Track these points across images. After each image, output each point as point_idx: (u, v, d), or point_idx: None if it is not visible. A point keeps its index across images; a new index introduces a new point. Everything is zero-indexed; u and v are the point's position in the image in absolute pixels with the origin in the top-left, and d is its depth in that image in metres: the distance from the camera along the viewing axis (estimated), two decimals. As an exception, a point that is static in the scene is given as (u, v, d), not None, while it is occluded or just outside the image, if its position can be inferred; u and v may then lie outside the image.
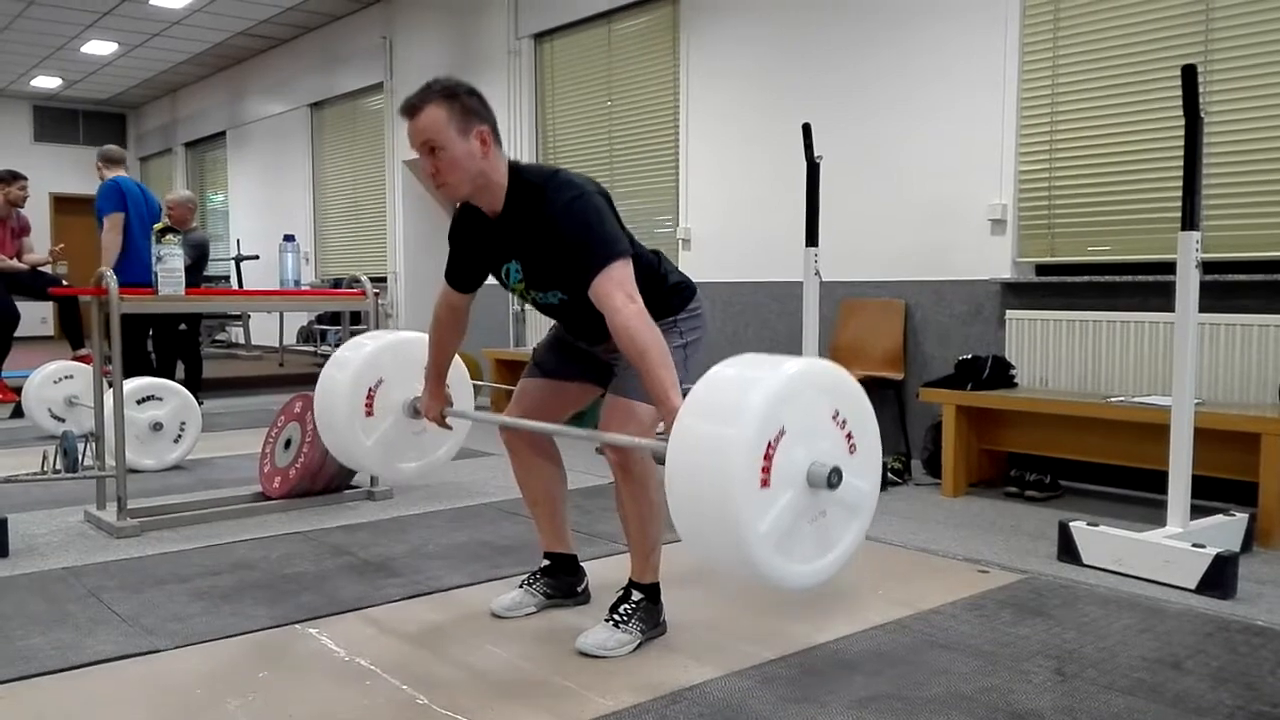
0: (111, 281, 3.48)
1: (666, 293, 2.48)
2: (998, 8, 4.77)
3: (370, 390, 2.74)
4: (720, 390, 1.86)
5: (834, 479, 1.84)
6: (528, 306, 4.99)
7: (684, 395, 2.06)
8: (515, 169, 2.36)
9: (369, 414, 2.74)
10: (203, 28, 10.24)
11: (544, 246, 2.32)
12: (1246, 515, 3.34)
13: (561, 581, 2.73)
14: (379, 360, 2.76)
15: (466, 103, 2.28)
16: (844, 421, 1.94)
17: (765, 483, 1.78)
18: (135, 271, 5.87)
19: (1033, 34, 4.68)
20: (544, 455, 2.65)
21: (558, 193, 2.27)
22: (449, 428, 2.78)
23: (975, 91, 4.87)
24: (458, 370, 2.82)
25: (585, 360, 2.59)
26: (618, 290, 2.17)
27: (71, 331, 6.92)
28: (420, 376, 2.73)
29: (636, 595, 2.46)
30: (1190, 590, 2.88)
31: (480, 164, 2.29)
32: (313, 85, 10.43)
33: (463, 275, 2.55)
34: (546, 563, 2.73)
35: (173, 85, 13.12)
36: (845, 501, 1.94)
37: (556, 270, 2.35)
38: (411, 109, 2.27)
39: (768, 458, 1.78)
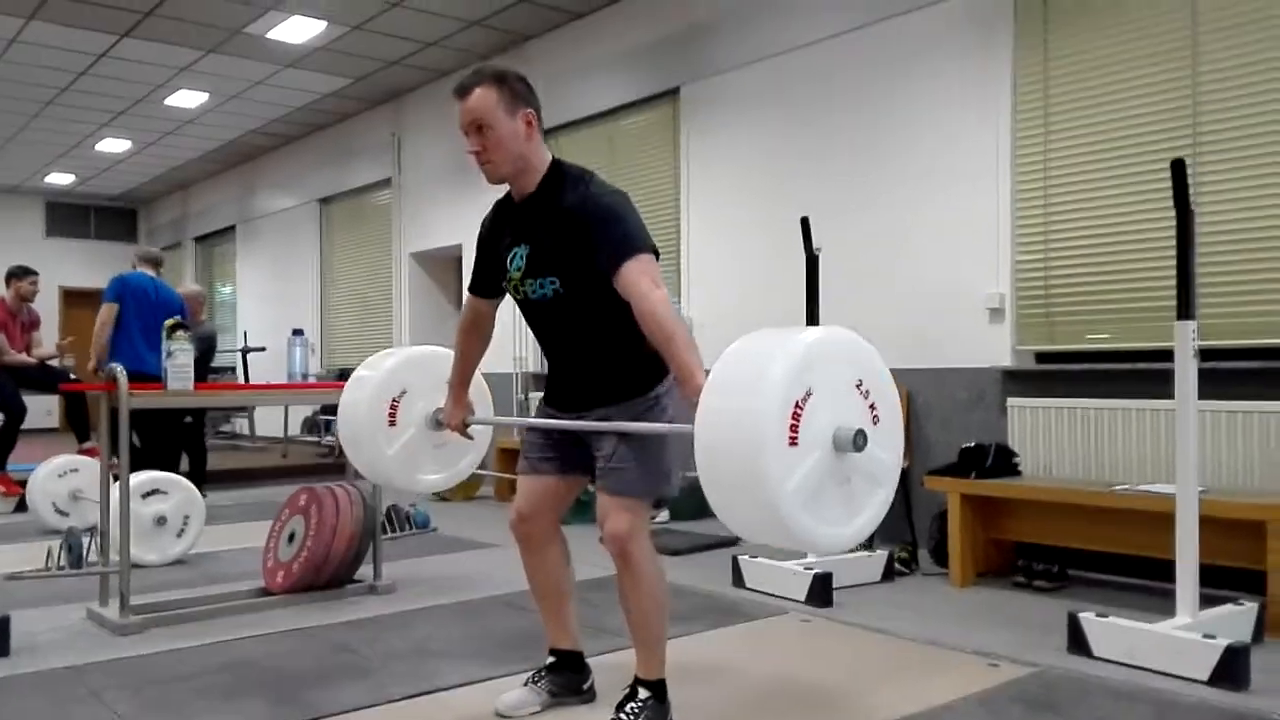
0: (121, 377, 3.52)
1: (652, 355, 2.45)
2: (989, 102, 4.90)
3: (394, 400, 2.80)
4: (745, 360, 1.93)
5: (859, 441, 1.90)
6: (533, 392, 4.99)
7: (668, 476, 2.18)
8: (557, 160, 2.47)
9: (391, 424, 2.80)
10: (215, 126, 10.51)
11: (562, 228, 2.37)
12: (1256, 604, 3.31)
13: (567, 679, 2.70)
14: (403, 372, 2.84)
15: (515, 87, 2.40)
16: (867, 392, 2.00)
17: (793, 441, 1.84)
18: (124, 363, 5.94)
19: (1025, 128, 4.80)
20: (553, 549, 2.65)
21: (600, 186, 2.40)
22: (470, 438, 2.83)
23: (970, 183, 4.98)
24: (478, 387, 2.85)
25: (570, 451, 2.56)
26: (644, 277, 2.25)
27: (77, 424, 6.94)
28: (442, 391, 2.78)
29: (643, 694, 2.43)
30: (1203, 682, 2.84)
31: (523, 145, 2.40)
32: (322, 181, 10.66)
33: (485, 279, 2.61)
34: (551, 659, 2.71)
35: (184, 181, 13.40)
36: (869, 471, 1.98)
37: (561, 255, 2.38)
38: (463, 90, 2.39)
39: (795, 417, 1.84)
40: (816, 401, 1.88)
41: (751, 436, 1.83)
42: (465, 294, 2.74)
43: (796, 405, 1.85)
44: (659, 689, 2.45)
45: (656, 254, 2.33)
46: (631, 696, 2.44)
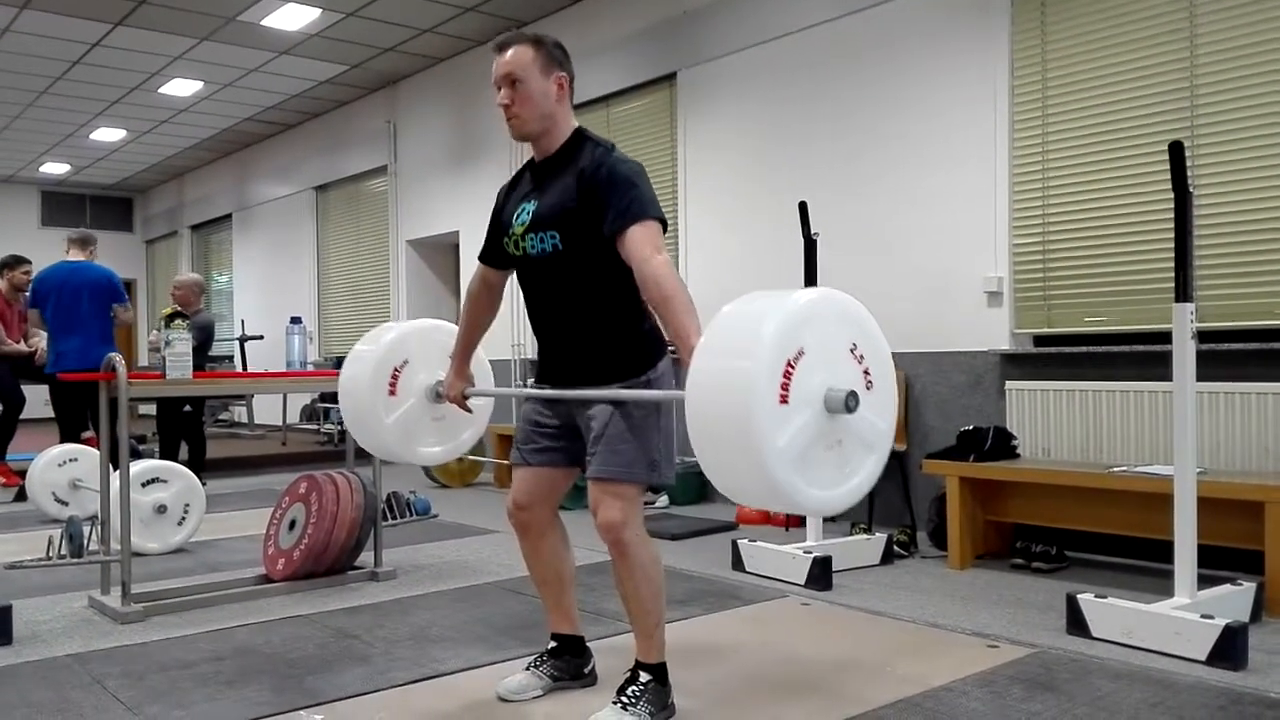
0: (120, 367, 3.52)
1: (646, 334, 2.47)
2: (987, 85, 4.89)
3: (395, 370, 2.79)
4: (738, 319, 1.92)
5: (851, 403, 1.88)
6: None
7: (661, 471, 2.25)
8: (582, 128, 2.50)
9: (392, 393, 2.79)
10: (210, 114, 10.48)
11: (574, 187, 2.38)
12: (1254, 584, 3.33)
13: (568, 663, 2.71)
14: (406, 342, 2.83)
15: (551, 50, 2.45)
16: (861, 356, 1.98)
17: (784, 399, 1.82)
18: (69, 356, 6.08)
19: (1022, 111, 4.80)
20: (552, 536, 2.66)
21: (620, 155, 2.42)
22: (469, 410, 2.82)
23: (968, 166, 4.98)
24: (479, 362, 2.84)
25: (562, 443, 2.55)
26: (648, 243, 2.27)
27: (65, 418, 6.92)
28: (444, 365, 2.79)
29: (644, 676, 2.44)
30: (1201, 662, 2.85)
31: (553, 106, 2.44)
32: (317, 168, 10.63)
33: (496, 247, 2.61)
34: (553, 644, 2.72)
35: (179, 170, 13.36)
36: (861, 436, 1.96)
37: (567, 212, 2.39)
38: (502, 45, 2.44)
39: (787, 375, 1.83)
40: (809, 361, 1.86)
41: (741, 393, 1.81)
42: (476, 263, 2.73)
43: (789, 363, 1.83)
44: (659, 672, 2.46)
45: (665, 226, 2.34)
46: (632, 680, 2.45)
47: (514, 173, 2.65)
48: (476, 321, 2.74)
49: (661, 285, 2.20)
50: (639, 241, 2.26)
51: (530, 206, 2.47)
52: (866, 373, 1.99)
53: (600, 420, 2.40)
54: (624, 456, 2.37)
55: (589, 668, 2.75)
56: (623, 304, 2.41)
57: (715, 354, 1.90)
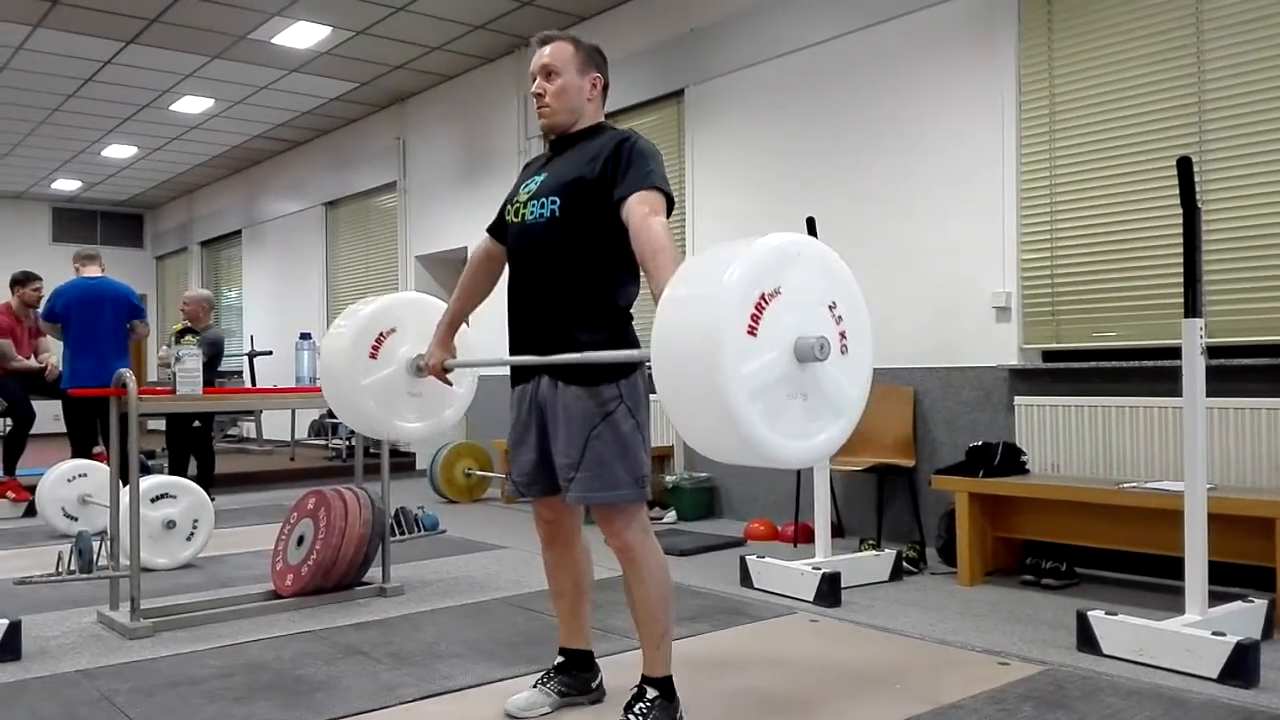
0: (130, 382, 3.53)
1: (625, 335, 2.45)
2: (994, 101, 4.90)
3: (381, 334, 2.76)
4: (719, 250, 1.90)
5: (821, 349, 1.84)
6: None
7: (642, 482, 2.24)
8: (605, 122, 2.56)
9: (373, 357, 2.75)
10: (220, 131, 10.54)
11: (587, 157, 2.41)
12: (1265, 601, 3.31)
13: (576, 678, 2.70)
14: (398, 309, 2.81)
15: (591, 53, 2.53)
16: (840, 317, 1.95)
17: (753, 331, 1.79)
18: (85, 373, 6.10)
19: (1030, 127, 4.80)
20: (576, 547, 2.66)
21: (643, 139, 2.43)
22: (449, 382, 2.78)
23: (976, 181, 4.98)
24: (464, 339, 2.80)
25: (551, 475, 2.50)
26: (650, 206, 2.27)
27: (76, 434, 6.95)
28: (429, 341, 2.75)
29: (651, 693, 2.43)
30: (1212, 680, 2.84)
31: (584, 104, 2.50)
32: (327, 185, 10.68)
33: (503, 218, 2.61)
34: (560, 659, 2.72)
35: (189, 186, 13.43)
36: (830, 397, 1.93)
37: (573, 180, 2.40)
38: (544, 40, 2.51)
39: (759, 309, 1.80)
40: (784, 301, 1.82)
41: (710, 319, 1.77)
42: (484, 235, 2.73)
43: (763, 296, 1.80)
44: (666, 686, 2.45)
45: (671, 205, 2.34)
46: (639, 697, 2.44)
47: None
48: (472, 290, 2.73)
49: (654, 239, 2.20)
50: (642, 202, 2.28)
51: (540, 178, 2.51)
52: (843, 335, 1.95)
53: (576, 443, 2.36)
54: (601, 480, 2.35)
55: (596, 682, 2.74)
56: (607, 286, 2.40)
57: (689, 281, 1.86)
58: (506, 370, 2.57)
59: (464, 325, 2.79)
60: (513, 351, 2.55)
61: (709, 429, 1.87)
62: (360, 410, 2.78)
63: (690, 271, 1.92)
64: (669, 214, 2.32)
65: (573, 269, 2.41)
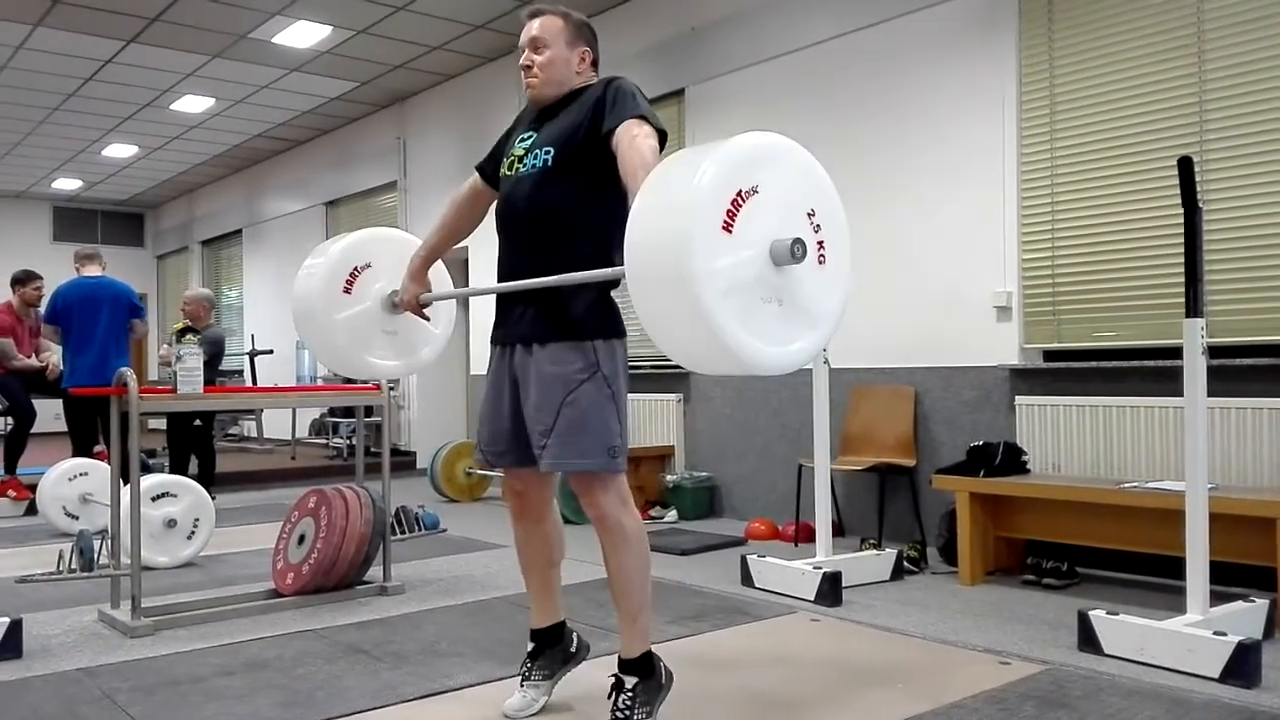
0: (131, 381, 3.53)
1: (607, 306, 2.43)
2: (995, 100, 4.90)
3: (356, 269, 2.72)
4: (700, 147, 1.88)
5: (797, 250, 1.81)
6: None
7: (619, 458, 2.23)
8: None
9: (347, 291, 2.71)
10: (221, 130, 10.54)
11: (578, 108, 2.41)
12: (1267, 601, 3.31)
13: (552, 656, 2.68)
14: (374, 245, 2.77)
15: (580, 28, 2.54)
16: (819, 226, 1.92)
17: (728, 228, 1.76)
18: (84, 371, 6.14)
19: (1030, 126, 4.80)
20: (547, 524, 2.66)
21: (624, 78, 2.44)
22: (425, 317, 2.76)
23: (976, 181, 4.98)
24: (439, 272, 2.77)
25: (523, 446, 2.48)
26: (640, 130, 2.26)
27: (78, 433, 6.95)
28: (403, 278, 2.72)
29: (629, 682, 2.40)
30: (1214, 679, 2.84)
31: (571, 77, 2.50)
32: (328, 184, 10.68)
33: (495, 163, 2.62)
34: (531, 645, 2.68)
35: (190, 185, 13.43)
36: (805, 306, 1.90)
37: (565, 130, 2.40)
38: (535, 12, 2.52)
39: (735, 205, 1.76)
40: (762, 200, 1.79)
41: (682, 213, 1.73)
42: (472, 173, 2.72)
43: (739, 194, 1.77)
44: (645, 665, 2.41)
45: (664, 139, 2.32)
46: (618, 690, 2.40)
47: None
48: (453, 226, 2.72)
49: (640, 155, 2.19)
50: (630, 128, 2.27)
51: (534, 134, 2.51)
52: (821, 245, 1.92)
53: (549, 410, 2.34)
54: (574, 447, 2.33)
55: (574, 647, 2.72)
56: (602, 247, 2.37)
57: (665, 174, 1.83)
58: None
59: (439, 262, 2.76)
60: (501, 310, 2.53)
61: (682, 332, 1.83)
62: (333, 345, 2.74)
63: (666, 167, 1.88)
64: (661, 146, 2.29)
65: (564, 220, 2.40)
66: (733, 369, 1.87)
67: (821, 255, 1.93)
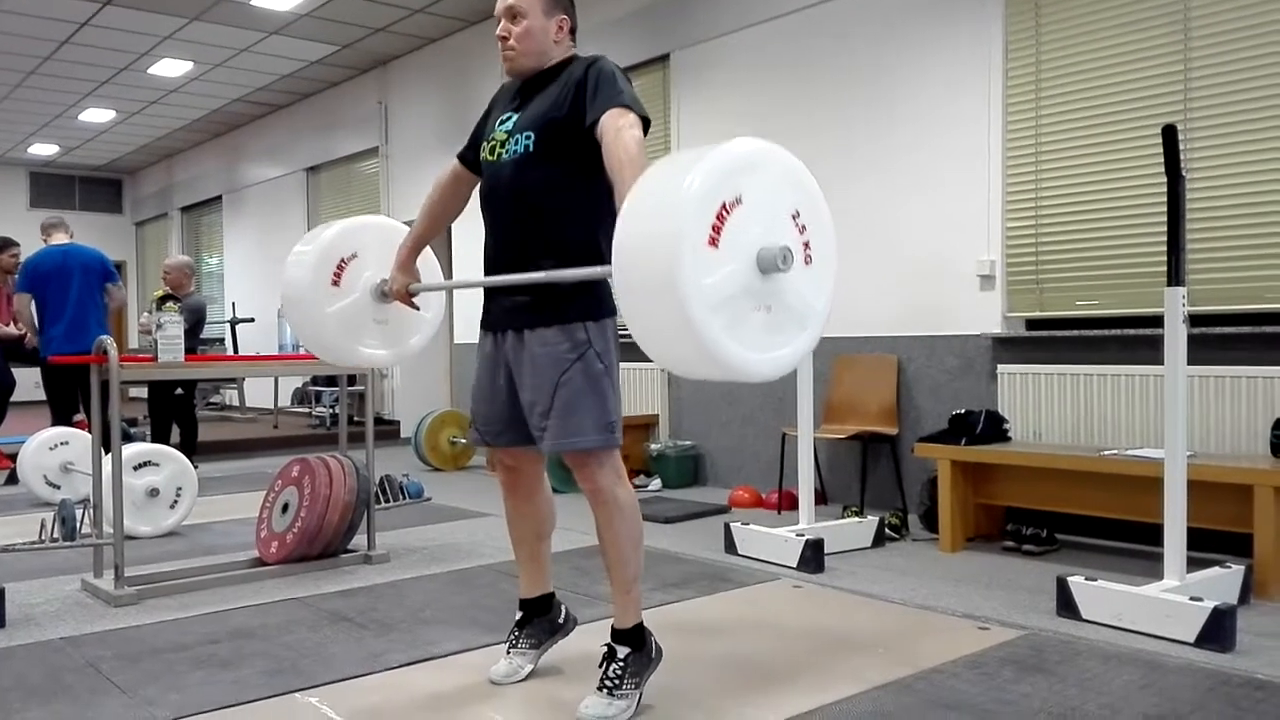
0: (111, 349, 3.51)
1: (597, 285, 2.41)
2: (980, 68, 4.88)
3: (343, 260, 2.68)
4: (678, 157, 1.86)
5: (784, 259, 1.81)
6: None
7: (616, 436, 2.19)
8: (575, 55, 2.49)
9: (335, 284, 2.68)
10: (200, 95, 10.40)
11: (560, 89, 2.37)
12: (1243, 567, 3.35)
13: (540, 625, 2.70)
14: (360, 234, 2.73)
15: None
16: (804, 226, 1.91)
17: (714, 242, 1.75)
18: (62, 338, 6.06)
19: (1016, 94, 4.79)
20: (538, 498, 2.66)
21: (606, 60, 2.39)
22: (415, 306, 2.74)
23: (961, 149, 4.97)
24: (427, 261, 2.75)
25: (518, 425, 2.49)
26: (625, 119, 2.22)
27: (57, 401, 6.90)
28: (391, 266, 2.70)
29: (621, 652, 2.42)
30: (1189, 644, 2.88)
31: (550, 46, 2.45)
32: (309, 149, 10.57)
33: (476, 148, 2.58)
34: (520, 614, 2.70)
35: (169, 151, 13.27)
36: (794, 309, 1.90)
37: (547, 114, 2.37)
38: None
39: (720, 219, 1.76)
40: (747, 211, 1.78)
41: (671, 230, 1.72)
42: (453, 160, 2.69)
43: (724, 206, 1.76)
44: (637, 636, 2.43)
45: (647, 126, 2.29)
46: (610, 659, 2.42)
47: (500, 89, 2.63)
48: (438, 214, 2.69)
49: (625, 149, 2.16)
50: (614, 118, 2.24)
51: (515, 116, 2.47)
52: (807, 245, 1.91)
53: (545, 390, 2.35)
54: (573, 425, 2.34)
55: (562, 618, 2.75)
56: (589, 232, 2.35)
57: (649, 191, 1.82)
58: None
59: (427, 249, 2.74)
60: (488, 299, 2.53)
61: (671, 344, 1.84)
62: (326, 340, 2.72)
63: (651, 181, 1.86)
64: (645, 133, 2.27)
65: (550, 205, 2.38)
66: (723, 377, 1.88)
67: (808, 255, 1.93)
